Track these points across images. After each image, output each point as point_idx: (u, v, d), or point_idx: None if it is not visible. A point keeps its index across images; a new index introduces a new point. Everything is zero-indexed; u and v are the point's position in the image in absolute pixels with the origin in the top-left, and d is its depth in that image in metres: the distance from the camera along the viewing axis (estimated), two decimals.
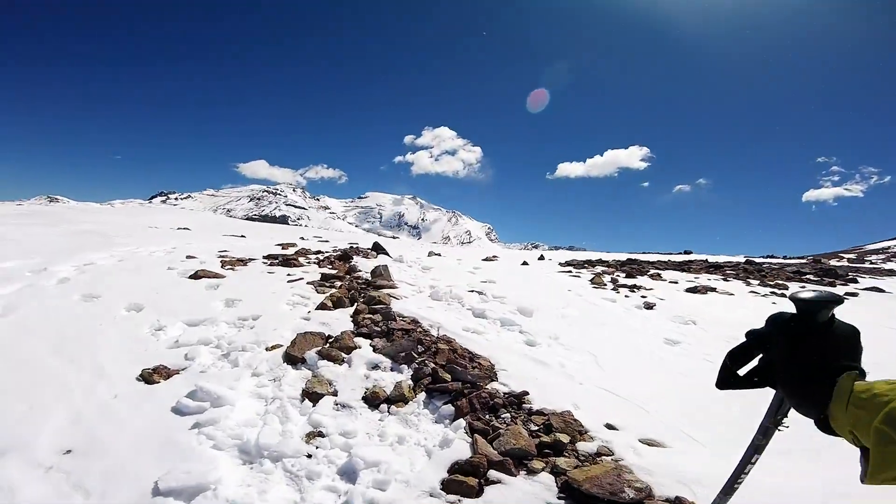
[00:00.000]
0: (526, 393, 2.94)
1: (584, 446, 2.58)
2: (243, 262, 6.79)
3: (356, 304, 4.57)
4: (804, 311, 0.69)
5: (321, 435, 2.60)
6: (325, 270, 6.24)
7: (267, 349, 3.57)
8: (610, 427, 2.80)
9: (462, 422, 2.65)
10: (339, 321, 4.08)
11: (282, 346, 3.60)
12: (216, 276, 5.66)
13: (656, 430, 2.80)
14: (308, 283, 5.50)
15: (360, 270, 6.31)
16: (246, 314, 4.27)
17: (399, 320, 4.06)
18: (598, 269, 9.22)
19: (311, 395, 2.94)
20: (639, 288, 7.34)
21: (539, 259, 10.52)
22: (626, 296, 6.79)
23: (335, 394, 3.00)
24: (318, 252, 8.13)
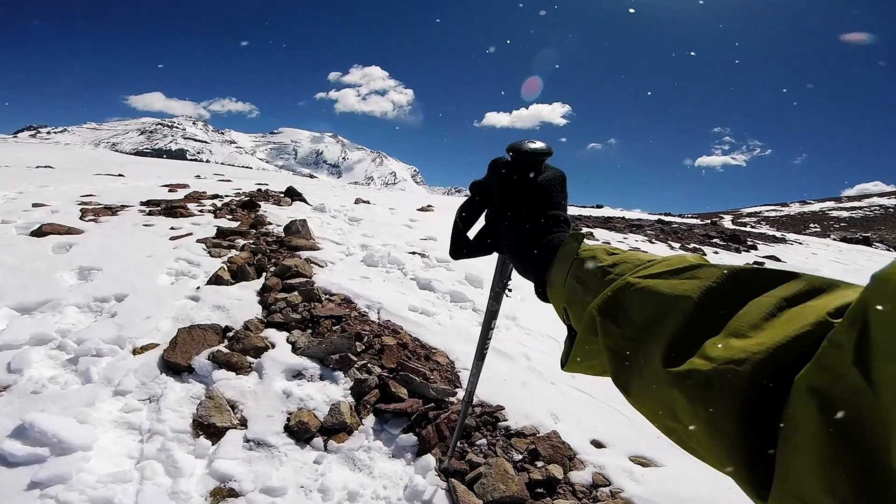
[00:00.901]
0: (501, 407, 2.25)
1: (577, 476, 2.02)
2: (112, 210, 5.23)
3: (265, 274, 3.51)
4: (520, 159, 0.62)
5: (233, 494, 1.73)
6: (224, 223, 4.95)
7: (135, 351, 2.48)
8: (597, 445, 2.26)
9: (431, 459, 1.91)
10: (242, 303, 3.03)
11: (158, 345, 2.52)
12: (70, 231, 4.18)
13: (641, 442, 2.32)
14: (199, 240, 4.23)
15: (269, 224, 5.12)
16: (106, 292, 3.04)
17: (326, 301, 3.10)
18: None
19: (208, 429, 2.00)
20: None
21: None
22: None
23: (244, 423, 2.07)
24: (216, 197, 6.64)
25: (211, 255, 3.87)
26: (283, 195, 7.28)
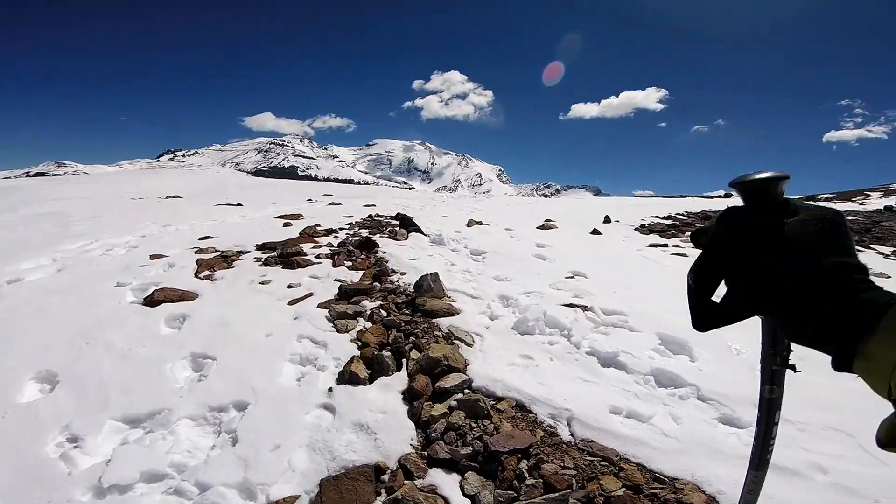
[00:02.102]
0: None
1: None
2: (228, 260, 4.90)
3: (405, 362, 2.68)
4: (751, 192, 0.50)
5: None
6: (343, 273, 4.34)
7: None
8: None
9: None
10: (389, 419, 2.21)
11: (297, 500, 1.81)
12: (184, 297, 3.81)
13: None
14: (320, 305, 3.62)
15: (393, 273, 4.39)
16: (223, 398, 2.43)
17: (495, 413, 2.17)
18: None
19: None
20: None
21: (605, 222, 8.42)
22: None
23: None
24: (330, 232, 6.17)
25: (337, 330, 3.18)
26: (397, 226, 6.66)
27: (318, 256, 4.89)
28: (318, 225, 6.76)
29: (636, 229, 7.80)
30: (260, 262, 4.81)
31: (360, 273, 4.36)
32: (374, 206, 10.75)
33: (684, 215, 10.34)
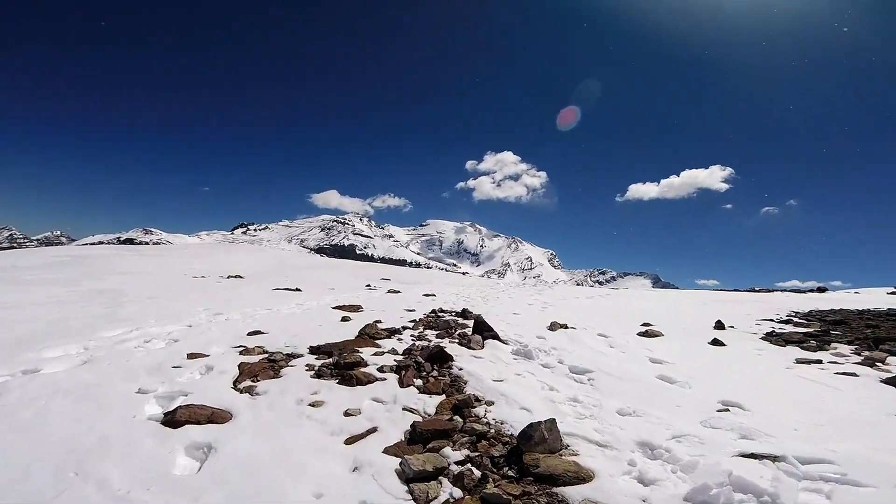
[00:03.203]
0: None
1: None
2: (275, 365, 4.08)
3: None
4: None
5: None
6: (412, 396, 3.35)
7: None
8: None
9: None
10: None
11: None
12: (213, 418, 2.96)
13: None
14: (387, 450, 2.60)
15: (476, 400, 3.33)
16: None
17: None
18: (841, 348, 5.49)
19: None
20: None
21: (718, 328, 6.97)
22: None
23: None
24: (393, 333, 5.28)
25: (414, 499, 2.12)
26: (462, 322, 5.69)
27: (381, 369, 3.94)
28: (379, 321, 5.92)
29: (763, 338, 6.28)
30: (312, 372, 3.93)
31: (435, 400, 3.33)
32: (434, 296, 9.95)
33: (797, 317, 8.61)
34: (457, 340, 4.96)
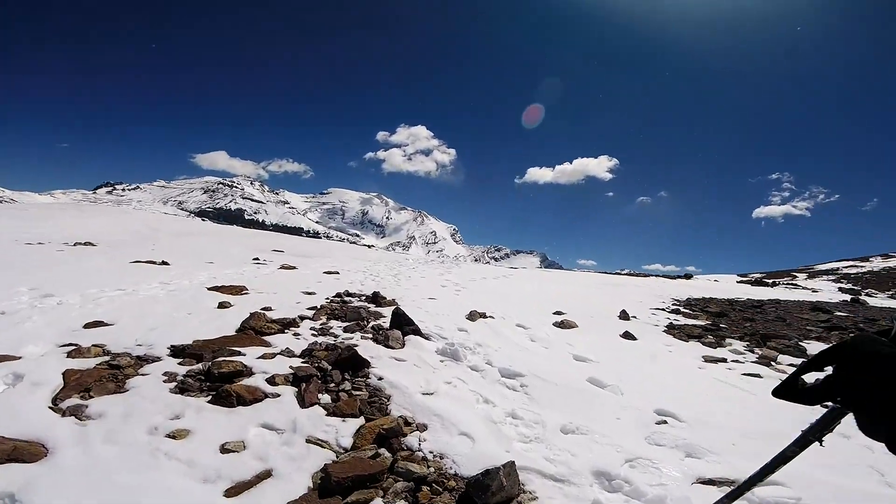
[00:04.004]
0: None
1: None
2: (119, 375, 2.95)
3: None
4: None
5: None
6: (318, 419, 2.53)
7: None
8: None
9: None
10: None
11: None
12: (17, 454, 2.04)
13: None
14: None
15: (406, 423, 2.62)
16: None
17: None
18: (735, 343, 5.84)
19: None
20: None
21: (623, 318, 7.11)
22: None
23: None
24: (288, 326, 4.27)
25: None
26: (379, 312, 4.90)
27: (272, 379, 3.00)
28: (269, 309, 4.84)
29: (665, 331, 6.50)
30: (174, 385, 2.88)
31: (351, 426, 2.55)
32: (338, 273, 8.90)
33: (682, 306, 9.39)
34: (371, 336, 4.14)
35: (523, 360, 4.10)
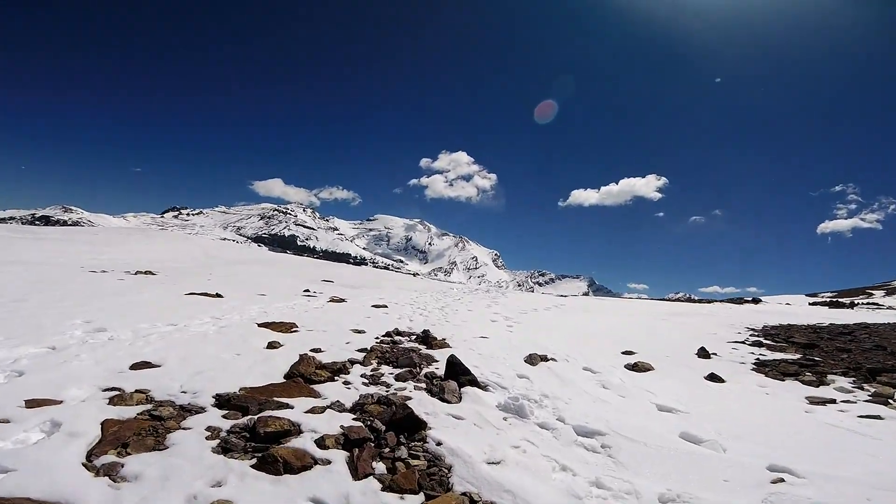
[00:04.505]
0: None
1: None
2: (160, 428, 2.76)
3: None
4: None
5: None
6: (372, 496, 2.16)
7: None
8: None
9: None
10: None
11: None
12: None
13: None
14: None
15: (459, 485, 2.23)
16: None
17: None
18: (839, 380, 4.98)
19: None
20: None
21: (702, 356, 6.33)
22: None
23: None
24: (338, 372, 3.98)
25: None
26: (431, 356, 4.54)
27: (321, 441, 2.67)
28: (318, 350, 4.60)
29: (754, 369, 5.69)
30: (216, 444, 2.62)
31: (403, 502, 2.16)
32: (386, 307, 8.68)
33: (761, 336, 8.37)
34: (425, 386, 3.77)
35: (599, 414, 3.57)
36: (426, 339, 5.56)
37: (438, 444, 2.70)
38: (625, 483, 2.55)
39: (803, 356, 6.37)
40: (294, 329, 5.53)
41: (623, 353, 6.21)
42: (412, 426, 2.83)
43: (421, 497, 2.25)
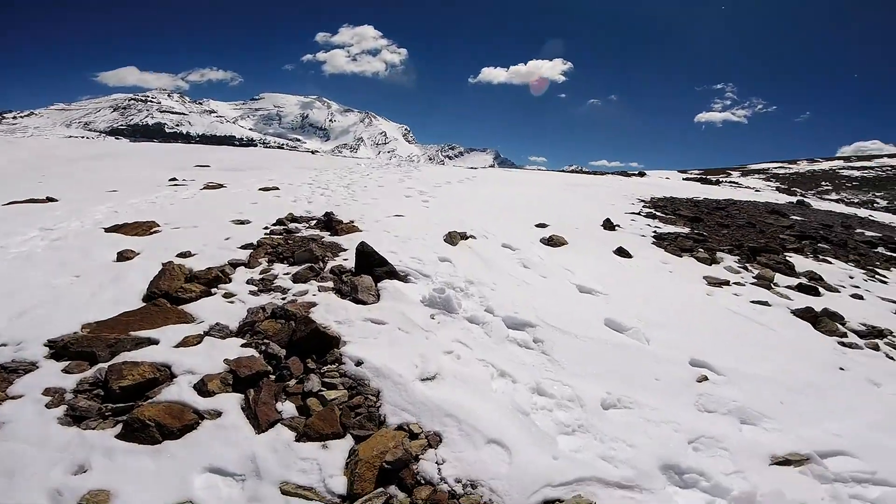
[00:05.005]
0: None
1: None
2: None
3: None
4: None
5: None
6: (296, 460, 1.70)
7: None
8: None
9: None
10: None
11: None
12: None
13: None
14: None
15: (394, 416, 1.83)
16: None
17: None
18: (727, 258, 5.45)
19: None
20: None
21: (608, 227, 6.52)
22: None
23: None
24: (215, 281, 3.19)
25: None
26: (336, 244, 3.86)
27: (202, 387, 2.04)
28: (189, 254, 3.68)
29: (654, 243, 5.98)
30: (63, 413, 1.93)
31: (336, 453, 1.74)
32: (278, 189, 7.46)
33: (651, 206, 9.00)
34: (332, 285, 3.17)
35: (526, 301, 3.36)
36: (329, 223, 4.80)
37: (358, 363, 2.23)
38: (565, 387, 2.38)
39: (692, 230, 6.91)
40: (155, 230, 4.39)
41: (536, 225, 6.12)
42: (321, 345, 2.29)
43: (348, 440, 1.81)
